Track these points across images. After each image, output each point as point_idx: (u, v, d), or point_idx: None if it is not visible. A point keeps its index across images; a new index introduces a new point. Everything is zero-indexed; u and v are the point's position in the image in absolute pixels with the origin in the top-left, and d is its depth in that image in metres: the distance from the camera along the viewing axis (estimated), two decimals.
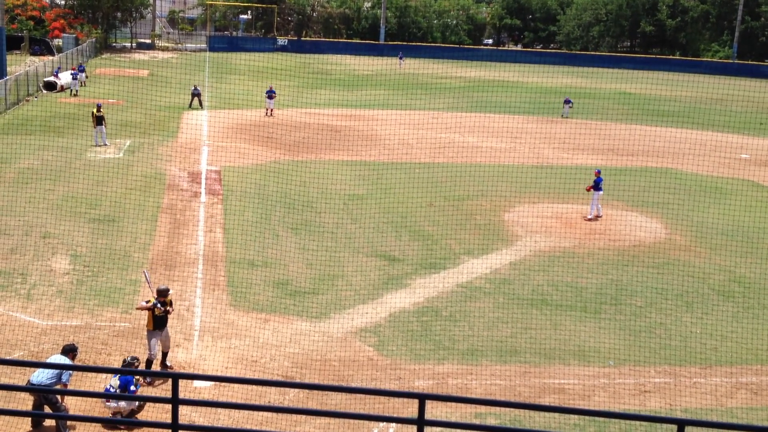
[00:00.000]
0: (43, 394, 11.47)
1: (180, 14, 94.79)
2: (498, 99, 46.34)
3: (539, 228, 22.57)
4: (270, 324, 15.74)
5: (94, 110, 31.48)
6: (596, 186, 23.37)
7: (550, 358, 14.95)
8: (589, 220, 23.41)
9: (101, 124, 31.13)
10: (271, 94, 40.21)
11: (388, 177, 27.36)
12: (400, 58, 75.21)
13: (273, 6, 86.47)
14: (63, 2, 76.28)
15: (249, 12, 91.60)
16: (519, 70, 64.55)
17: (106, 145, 30.98)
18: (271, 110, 40.41)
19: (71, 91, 44.82)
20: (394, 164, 29.88)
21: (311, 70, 64.52)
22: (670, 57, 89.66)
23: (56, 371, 11.52)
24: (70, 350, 12.29)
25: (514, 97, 46.12)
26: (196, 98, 42.35)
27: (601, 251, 20.98)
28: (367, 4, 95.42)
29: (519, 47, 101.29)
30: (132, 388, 12.17)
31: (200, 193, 24.94)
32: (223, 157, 29.58)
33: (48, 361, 12.12)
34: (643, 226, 23.34)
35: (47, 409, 11.61)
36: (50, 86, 45.12)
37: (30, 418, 11.97)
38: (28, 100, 41.39)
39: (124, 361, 12.53)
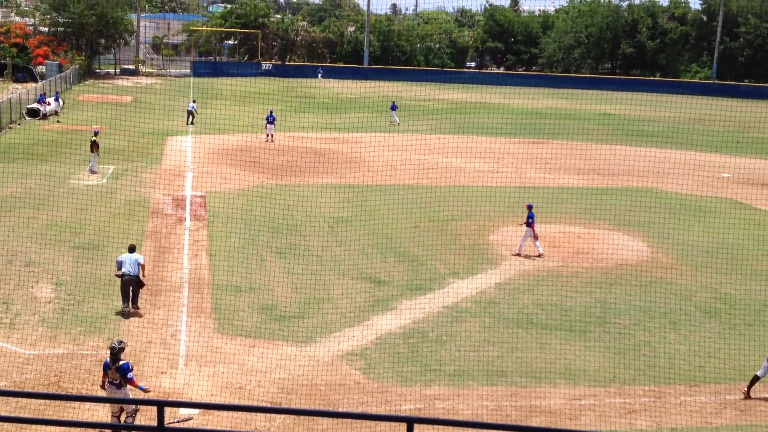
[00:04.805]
0: (134, 281, 16.77)
1: (164, 40, 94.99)
2: (482, 121, 46.68)
3: (525, 249, 22.59)
4: (256, 349, 15.63)
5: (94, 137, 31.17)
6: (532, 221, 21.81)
7: (537, 379, 14.94)
8: (518, 255, 21.96)
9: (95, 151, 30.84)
10: (271, 119, 40.12)
11: (373, 199, 27.42)
12: (320, 74, 78.66)
13: (257, 31, 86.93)
14: (46, 29, 76.26)
15: (233, 37, 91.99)
16: (502, 93, 65.15)
17: (95, 172, 30.74)
18: (272, 136, 40.20)
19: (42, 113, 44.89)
20: (379, 187, 29.93)
21: (295, 93, 64.73)
22: (651, 78, 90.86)
23: (137, 262, 16.79)
24: (135, 248, 17.34)
25: (498, 119, 46.53)
26: (191, 116, 44.14)
27: (586, 271, 21.07)
28: (351, 29, 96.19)
29: (502, 70, 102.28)
30: (129, 375, 12.08)
31: (185, 218, 24.84)
32: (208, 182, 29.53)
33: (121, 258, 16.96)
34: (627, 245, 23.46)
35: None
36: (33, 113, 44.95)
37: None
38: (11, 127, 41.19)
39: (113, 348, 12.26)
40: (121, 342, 12.42)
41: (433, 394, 14.29)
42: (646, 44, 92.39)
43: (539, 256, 22.02)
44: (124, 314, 16.76)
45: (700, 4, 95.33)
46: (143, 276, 17.00)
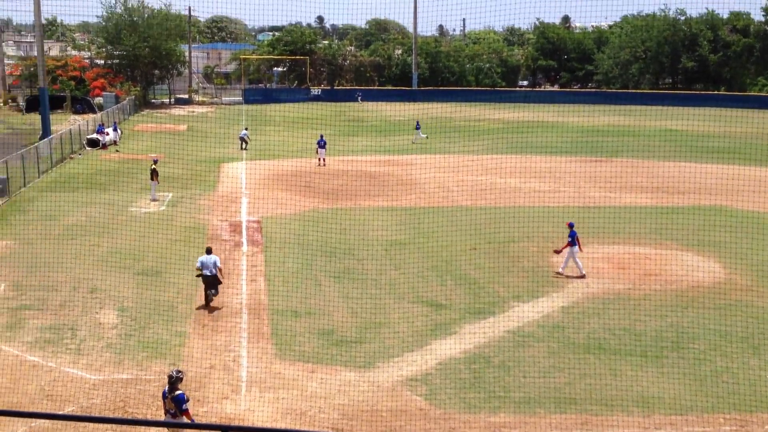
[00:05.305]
0: (212, 279, 18.90)
1: (215, 69, 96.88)
2: (537, 140, 46.00)
3: (590, 271, 21.86)
4: (316, 375, 15.37)
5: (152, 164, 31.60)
6: (572, 241, 21.27)
7: (610, 407, 14.26)
8: (561, 274, 21.51)
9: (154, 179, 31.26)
10: (322, 143, 40.29)
11: (429, 222, 27.04)
12: (359, 98, 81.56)
13: (305, 57, 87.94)
14: (102, 62, 78.43)
15: (282, 64, 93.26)
16: (557, 111, 64.21)
17: (155, 200, 31.03)
18: (323, 159, 40.30)
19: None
20: (434, 209, 29.58)
21: (345, 117, 65.03)
22: (716, 93, 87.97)
23: (214, 263, 18.88)
24: (211, 249, 19.54)
25: (554, 137, 45.69)
26: (243, 142, 45.12)
27: (657, 294, 20.21)
28: (398, 51, 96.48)
29: (556, 88, 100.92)
30: (184, 406, 11.92)
31: (241, 243, 24.85)
32: (263, 207, 29.59)
33: (201, 260, 18.97)
34: (700, 266, 22.46)
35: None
36: (93, 143, 45.99)
37: None
38: (72, 158, 42.18)
39: (170, 377, 12.15)
40: (179, 371, 12.25)
41: (500, 422, 13.75)
42: (708, 58, 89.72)
43: (558, 273, 21.55)
44: (209, 299, 19.07)
45: (763, 15, 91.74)
46: (221, 276, 19.25)
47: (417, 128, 50.82)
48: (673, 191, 32.33)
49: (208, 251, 19.41)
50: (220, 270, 19.14)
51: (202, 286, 19.65)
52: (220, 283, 19.19)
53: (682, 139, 46.45)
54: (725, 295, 20.04)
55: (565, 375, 15.47)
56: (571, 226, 21.69)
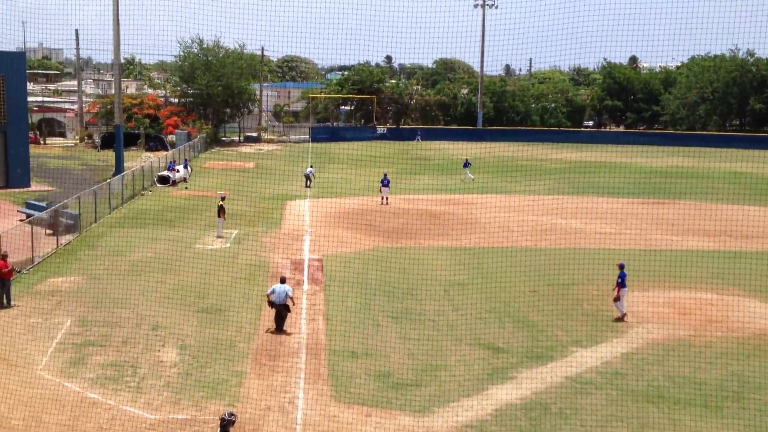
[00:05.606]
0: (281, 307, 19.98)
1: (284, 108, 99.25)
2: (601, 181, 45.43)
3: (651, 316, 21.42)
4: (372, 419, 15.41)
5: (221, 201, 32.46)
6: (622, 282, 21.14)
7: None
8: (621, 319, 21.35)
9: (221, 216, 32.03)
10: (385, 182, 40.87)
11: (489, 262, 26.98)
12: (418, 138, 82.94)
13: (372, 96, 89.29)
14: (176, 100, 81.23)
15: (349, 103, 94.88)
16: (622, 151, 63.22)
17: (221, 237, 31.83)
18: (386, 198, 40.79)
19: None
20: (495, 249, 29.47)
21: (409, 156, 65.56)
22: None
23: (285, 292, 19.94)
24: (285, 279, 20.84)
25: (618, 178, 45.04)
26: (308, 179, 46.07)
27: (720, 341, 19.63)
28: (464, 91, 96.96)
29: (621, 128, 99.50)
30: None
31: (303, 281, 25.23)
32: (325, 245, 30.03)
33: (273, 288, 20.18)
34: (765, 314, 21.72)
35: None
36: (163, 180, 47.58)
37: None
38: (143, 194, 43.74)
39: (222, 419, 12.25)
40: (232, 414, 12.28)
41: None
42: None
43: (618, 319, 21.27)
44: (279, 328, 20.19)
45: None
46: (292, 304, 20.29)
47: (465, 166, 51.24)
48: (738, 235, 31.44)
49: (282, 280, 20.59)
50: (291, 299, 20.14)
51: (263, 323, 20.07)
52: (289, 311, 20.14)
53: (748, 182, 45.13)
54: None
55: (624, 426, 15.12)
56: (621, 267, 21.42)
